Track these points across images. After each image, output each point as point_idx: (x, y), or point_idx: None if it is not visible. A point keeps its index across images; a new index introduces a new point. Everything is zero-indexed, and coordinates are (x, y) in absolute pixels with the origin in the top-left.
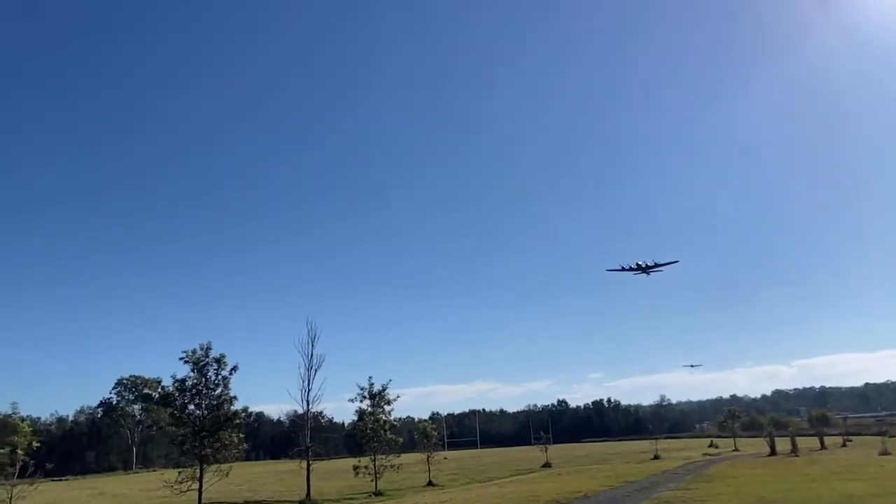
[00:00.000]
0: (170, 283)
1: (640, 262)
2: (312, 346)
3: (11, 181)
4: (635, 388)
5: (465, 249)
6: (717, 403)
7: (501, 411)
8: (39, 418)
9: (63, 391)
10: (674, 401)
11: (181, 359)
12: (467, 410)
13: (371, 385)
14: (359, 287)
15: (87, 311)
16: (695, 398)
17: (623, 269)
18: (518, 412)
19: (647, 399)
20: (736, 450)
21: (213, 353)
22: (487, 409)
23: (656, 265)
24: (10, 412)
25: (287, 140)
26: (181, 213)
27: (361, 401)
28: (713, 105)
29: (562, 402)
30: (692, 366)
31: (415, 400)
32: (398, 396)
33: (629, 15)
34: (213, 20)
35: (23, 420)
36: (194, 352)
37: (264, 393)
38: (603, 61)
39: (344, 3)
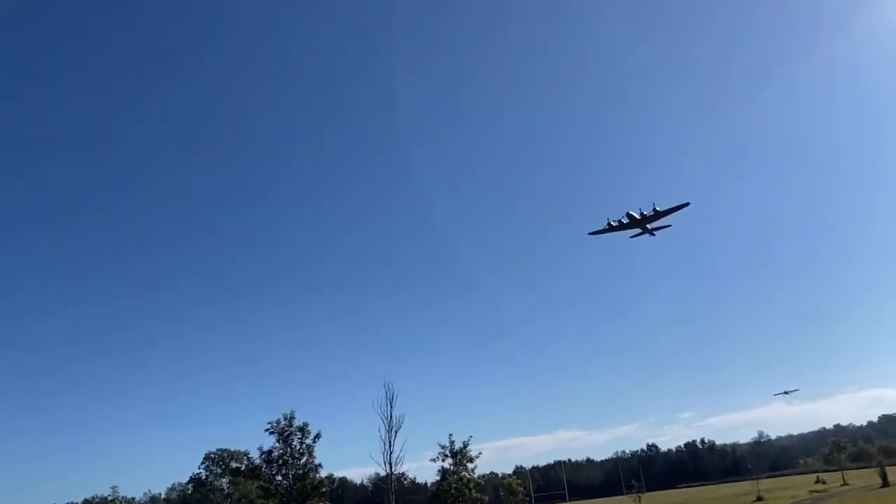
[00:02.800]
0: (249, 355)
1: (632, 213)
2: (391, 407)
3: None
4: (730, 426)
5: (537, 300)
6: (821, 435)
7: (588, 460)
8: (134, 498)
9: (155, 468)
10: (773, 436)
11: (266, 430)
12: (552, 462)
13: (452, 443)
14: (432, 343)
15: (175, 389)
16: (795, 431)
17: (611, 228)
18: (606, 460)
19: (744, 436)
20: (845, 483)
21: (297, 422)
22: (573, 460)
23: (657, 213)
24: (110, 495)
25: (358, 210)
26: (253, 289)
27: (443, 460)
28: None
29: (652, 447)
30: (786, 392)
31: (496, 454)
32: (480, 453)
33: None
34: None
35: (122, 502)
36: (278, 422)
37: (346, 457)
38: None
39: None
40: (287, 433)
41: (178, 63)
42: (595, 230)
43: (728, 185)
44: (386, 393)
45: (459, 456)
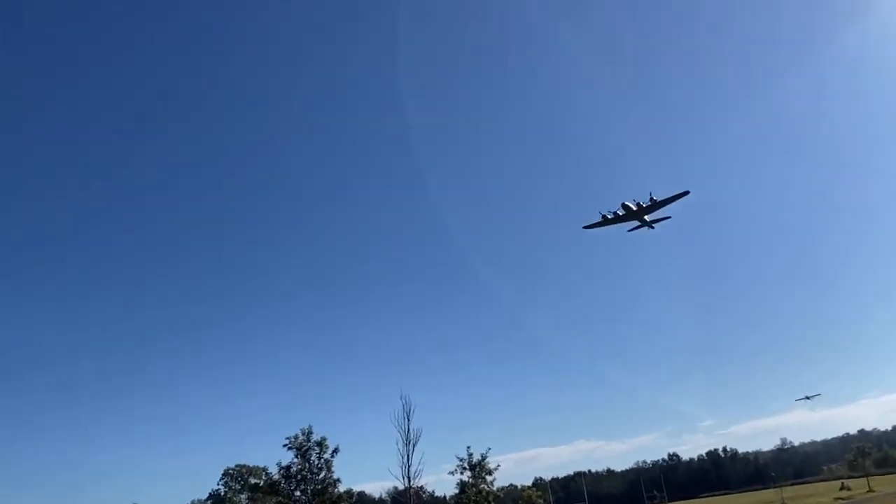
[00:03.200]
0: (266, 370)
1: (627, 203)
2: (409, 420)
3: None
4: (752, 433)
5: (553, 310)
6: (845, 441)
7: (609, 471)
8: None
9: (174, 485)
10: (796, 443)
11: (285, 445)
12: (572, 473)
13: (470, 455)
14: (447, 355)
15: (193, 404)
16: (819, 437)
17: (606, 221)
18: (627, 470)
19: (767, 444)
20: (871, 490)
21: (315, 437)
22: (594, 470)
23: (654, 203)
24: None
25: (377, 234)
26: (270, 305)
27: (461, 472)
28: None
29: (673, 456)
30: (807, 397)
31: (516, 466)
32: (498, 465)
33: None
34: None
35: None
36: (296, 437)
37: (365, 471)
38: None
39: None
40: (305, 448)
41: (192, 91)
42: (589, 224)
43: (749, 185)
44: (403, 406)
45: (478, 468)
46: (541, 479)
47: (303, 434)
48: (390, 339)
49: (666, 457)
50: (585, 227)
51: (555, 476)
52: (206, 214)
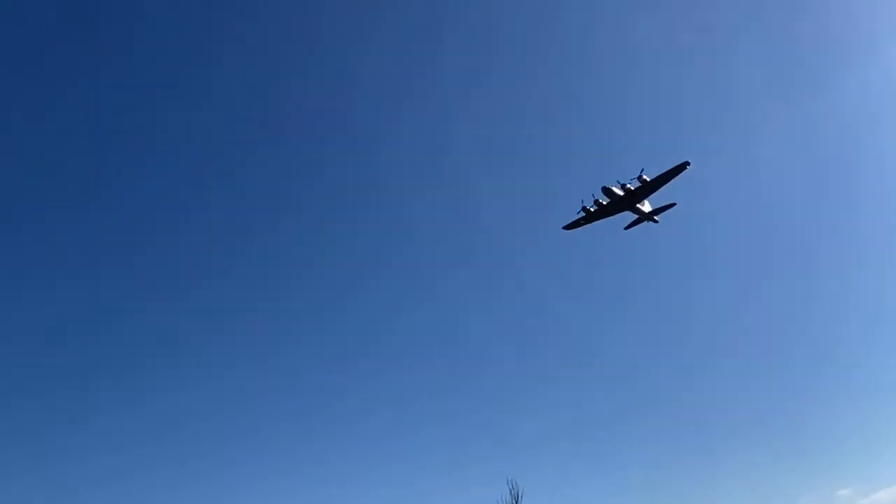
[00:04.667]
0: (369, 462)
1: (611, 187)
2: None
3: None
4: None
5: (661, 365)
6: None
7: None
8: None
9: None
10: None
11: None
12: None
13: None
14: (555, 430)
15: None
16: None
17: (589, 216)
18: None
19: None
20: None
21: None
22: None
23: (646, 185)
24: None
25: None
26: (370, 383)
27: None
28: None
29: None
30: None
31: None
32: None
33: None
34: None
35: None
36: None
37: None
38: None
39: None
40: None
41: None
42: (569, 223)
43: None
44: (510, 490)
45: None
46: None
47: None
48: (494, 424)
49: None
50: (566, 228)
51: None
52: (307, 294)
